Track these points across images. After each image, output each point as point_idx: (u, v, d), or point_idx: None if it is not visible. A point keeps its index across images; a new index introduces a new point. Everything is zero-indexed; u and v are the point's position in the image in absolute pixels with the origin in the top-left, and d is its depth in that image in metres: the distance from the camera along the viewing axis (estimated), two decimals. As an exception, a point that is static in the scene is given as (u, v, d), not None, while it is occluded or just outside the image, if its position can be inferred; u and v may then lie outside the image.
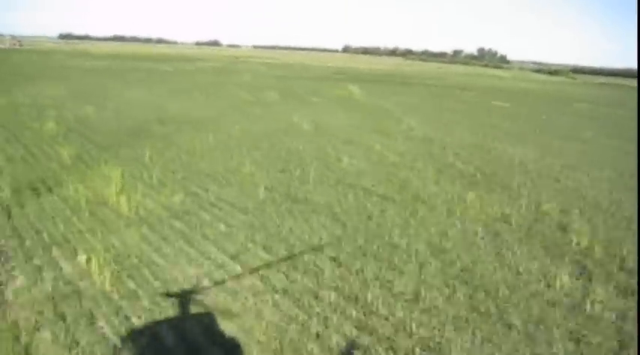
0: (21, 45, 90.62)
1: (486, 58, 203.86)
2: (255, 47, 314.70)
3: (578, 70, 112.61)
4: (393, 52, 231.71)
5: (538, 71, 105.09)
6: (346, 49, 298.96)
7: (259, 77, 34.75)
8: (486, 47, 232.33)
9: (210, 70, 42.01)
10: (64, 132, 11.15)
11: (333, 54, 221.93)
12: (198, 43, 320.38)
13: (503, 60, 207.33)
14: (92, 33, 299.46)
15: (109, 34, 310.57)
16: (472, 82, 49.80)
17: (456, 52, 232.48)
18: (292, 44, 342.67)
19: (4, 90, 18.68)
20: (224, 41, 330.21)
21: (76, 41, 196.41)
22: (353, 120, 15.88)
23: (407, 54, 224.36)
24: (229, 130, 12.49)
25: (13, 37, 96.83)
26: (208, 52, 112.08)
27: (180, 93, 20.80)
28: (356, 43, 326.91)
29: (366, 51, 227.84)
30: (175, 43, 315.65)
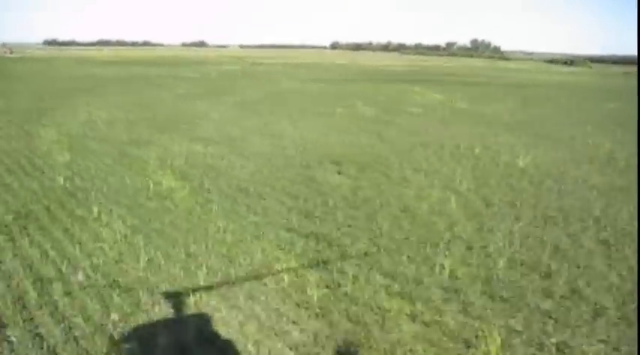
0: (12, 52, 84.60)
1: (480, 50, 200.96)
2: (241, 47, 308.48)
3: (595, 60, 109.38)
4: (386, 47, 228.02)
5: (551, 61, 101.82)
6: (335, 46, 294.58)
7: (303, 82, 30.23)
8: (479, 38, 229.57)
9: (237, 74, 37.33)
10: (221, 209, 6.60)
11: (324, 51, 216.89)
12: (184, 44, 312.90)
13: (497, 51, 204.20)
14: (78, 38, 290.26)
15: (94, 38, 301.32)
16: (519, 77, 45.93)
17: (449, 45, 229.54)
18: (278, 42, 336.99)
19: (40, 113, 14.01)
20: (210, 41, 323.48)
21: (64, 47, 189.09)
22: (533, 145, 11.64)
23: (400, 48, 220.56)
24: (447, 182, 8.06)
25: (3, 45, 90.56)
26: (207, 54, 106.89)
27: (258, 109, 16.38)
28: (343, 39, 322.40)
29: (358, 46, 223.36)
30: (162, 45, 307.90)
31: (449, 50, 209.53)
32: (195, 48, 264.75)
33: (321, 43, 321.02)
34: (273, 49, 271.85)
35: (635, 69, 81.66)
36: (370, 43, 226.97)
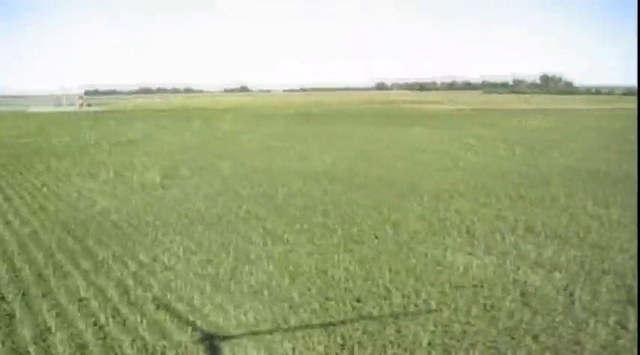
0: (89, 105, 69.49)
1: (550, 86, 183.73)
2: (285, 91, 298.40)
3: None
4: (451, 86, 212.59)
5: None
6: (381, 86, 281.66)
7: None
8: (549, 73, 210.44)
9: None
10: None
11: (380, 92, 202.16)
12: (226, 90, 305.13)
13: (570, 86, 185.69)
14: (118, 87, 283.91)
15: (134, 87, 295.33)
16: None
17: (517, 82, 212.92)
18: (321, 85, 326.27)
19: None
20: (252, 86, 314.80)
21: (106, 97, 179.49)
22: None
23: (467, 87, 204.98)
24: None
25: (80, 97, 75.65)
26: (292, 100, 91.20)
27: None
28: (388, 80, 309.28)
29: (422, 87, 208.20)
30: (202, 91, 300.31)
31: (517, 87, 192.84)
32: (237, 93, 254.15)
33: (365, 83, 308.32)
34: (320, 91, 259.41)
35: None
36: (435, 83, 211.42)
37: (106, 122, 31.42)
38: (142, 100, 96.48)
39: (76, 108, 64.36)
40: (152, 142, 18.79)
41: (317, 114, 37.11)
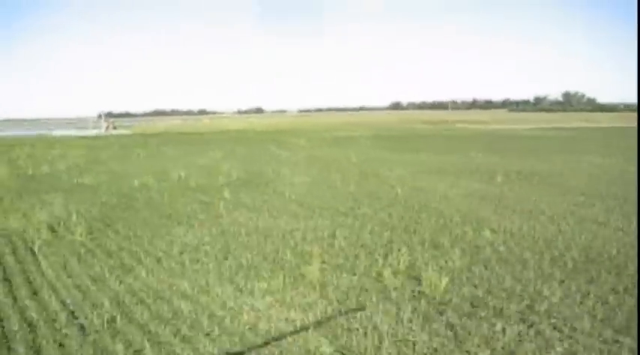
0: (115, 127, 64.73)
1: (573, 103, 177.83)
2: (300, 111, 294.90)
3: None
4: (473, 105, 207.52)
5: None
6: (396, 106, 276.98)
7: None
8: (572, 90, 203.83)
9: None
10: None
11: (400, 112, 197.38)
12: (240, 111, 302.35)
13: (593, 103, 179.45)
14: (131, 109, 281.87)
15: (149, 109, 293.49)
16: None
17: (538, 99, 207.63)
18: (335, 105, 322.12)
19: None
20: (267, 107, 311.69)
21: (128, 119, 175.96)
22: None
23: (488, 105, 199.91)
24: None
25: (106, 119, 70.93)
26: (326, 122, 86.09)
27: None
28: (407, 98, 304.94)
29: (441, 105, 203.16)
30: (215, 113, 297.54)
31: (539, 105, 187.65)
32: (252, 115, 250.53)
33: (379, 103, 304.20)
34: (335, 112, 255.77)
35: None
36: (455, 101, 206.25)
37: (161, 149, 25.82)
38: (166, 123, 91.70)
39: (102, 131, 59.54)
40: (278, 184, 12.93)
41: (401, 137, 31.37)
